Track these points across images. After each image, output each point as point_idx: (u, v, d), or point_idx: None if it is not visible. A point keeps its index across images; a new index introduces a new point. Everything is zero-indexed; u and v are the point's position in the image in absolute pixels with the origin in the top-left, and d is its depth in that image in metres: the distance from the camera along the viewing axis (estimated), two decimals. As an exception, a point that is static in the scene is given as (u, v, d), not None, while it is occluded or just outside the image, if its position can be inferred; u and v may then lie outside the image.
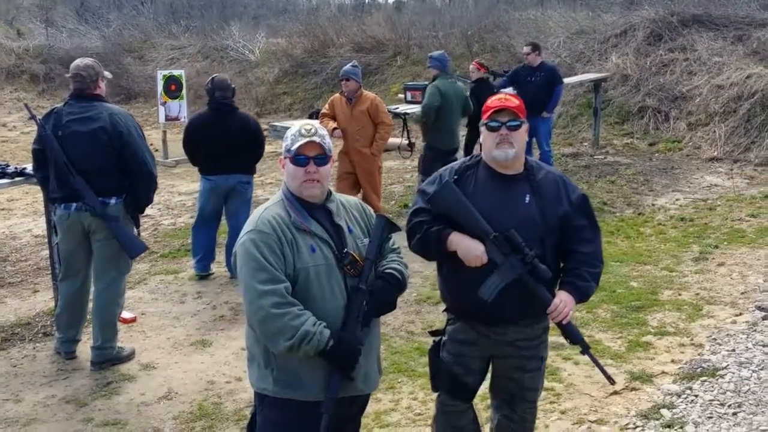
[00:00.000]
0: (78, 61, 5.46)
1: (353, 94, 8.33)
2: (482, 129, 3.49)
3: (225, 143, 7.11)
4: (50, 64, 22.25)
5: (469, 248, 3.34)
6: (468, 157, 3.69)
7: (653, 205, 10.08)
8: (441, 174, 3.56)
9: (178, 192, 11.48)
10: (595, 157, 13.15)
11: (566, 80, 13.25)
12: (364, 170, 8.52)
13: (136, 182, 5.45)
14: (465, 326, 3.57)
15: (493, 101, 3.49)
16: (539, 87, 10.82)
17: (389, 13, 25.74)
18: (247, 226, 3.05)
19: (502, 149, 3.40)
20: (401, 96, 11.61)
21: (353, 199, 3.34)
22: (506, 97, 3.53)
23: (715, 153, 12.75)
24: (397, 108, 10.26)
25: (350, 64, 8.60)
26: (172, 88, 13.79)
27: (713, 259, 7.77)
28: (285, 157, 3.10)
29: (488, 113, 3.45)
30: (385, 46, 20.08)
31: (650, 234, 8.77)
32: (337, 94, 8.59)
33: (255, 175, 7.52)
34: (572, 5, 22.66)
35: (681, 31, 15.72)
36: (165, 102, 13.80)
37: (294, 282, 2.98)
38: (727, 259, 7.75)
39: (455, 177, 3.48)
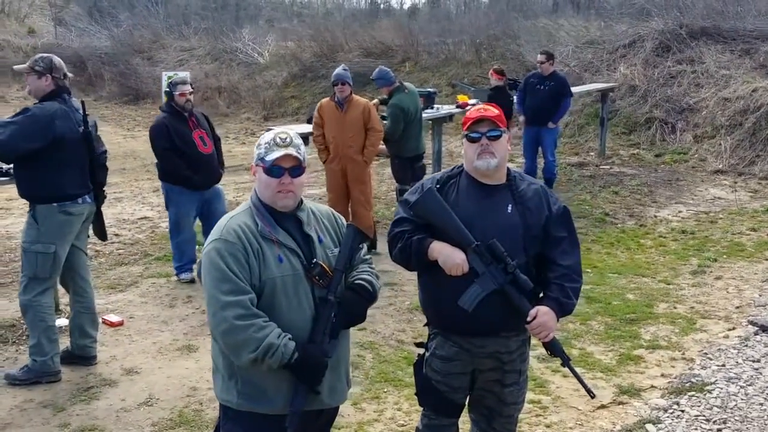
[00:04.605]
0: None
1: (346, 99, 7.97)
2: (463, 140, 3.44)
3: None
4: (58, 63, 22.32)
5: (450, 256, 3.28)
6: (450, 168, 3.62)
7: (655, 216, 10.01)
8: (423, 183, 3.51)
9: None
10: (601, 167, 13.10)
11: (574, 89, 13.21)
12: (356, 179, 8.14)
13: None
14: (445, 341, 3.50)
15: (471, 112, 3.45)
16: (548, 96, 10.79)
17: (400, 19, 25.70)
18: (213, 234, 2.97)
19: (484, 159, 3.34)
20: None
21: (325, 208, 3.25)
22: (485, 107, 3.47)
23: (720, 166, 12.71)
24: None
25: (340, 67, 8.19)
26: (177, 89, 13.81)
27: (711, 272, 7.70)
28: (258, 166, 3.00)
29: (468, 124, 3.41)
30: (394, 51, 20.06)
31: (650, 246, 8.70)
32: (326, 100, 8.21)
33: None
34: (586, 14, 22.62)
35: (689, 43, 15.67)
36: (168, 103, 13.79)
37: (260, 293, 2.90)
38: (725, 272, 7.69)
39: (437, 186, 3.42)
